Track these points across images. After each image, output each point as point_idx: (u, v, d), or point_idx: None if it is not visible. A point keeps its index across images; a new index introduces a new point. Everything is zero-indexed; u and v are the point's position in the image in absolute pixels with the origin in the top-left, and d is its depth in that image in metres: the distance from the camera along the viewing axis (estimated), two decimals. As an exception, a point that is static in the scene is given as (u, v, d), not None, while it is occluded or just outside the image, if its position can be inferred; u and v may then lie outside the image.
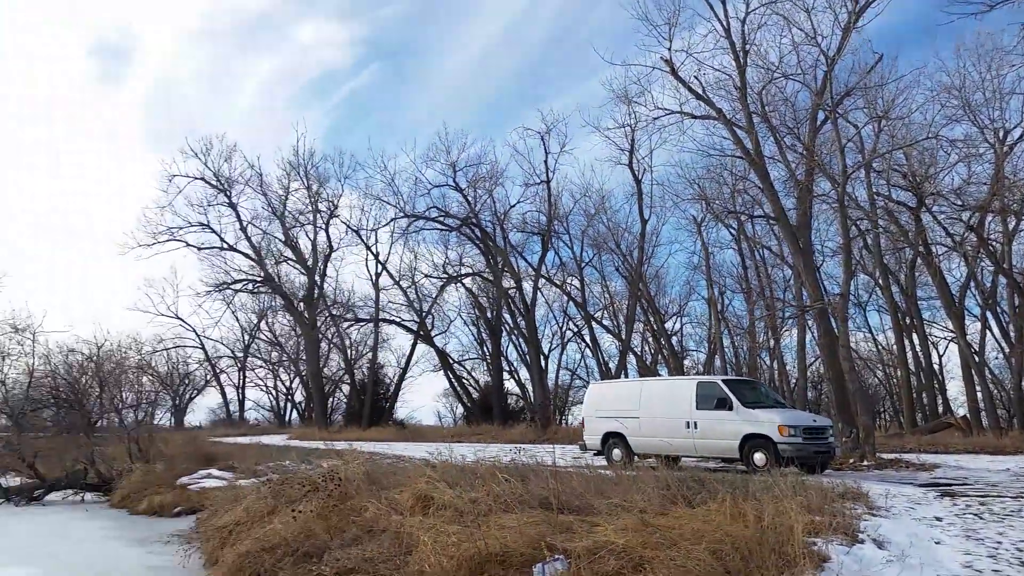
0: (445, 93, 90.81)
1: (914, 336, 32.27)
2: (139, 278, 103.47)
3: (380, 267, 44.80)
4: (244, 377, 59.90)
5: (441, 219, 39.59)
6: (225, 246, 44.39)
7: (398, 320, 45.34)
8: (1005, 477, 13.07)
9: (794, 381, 35.52)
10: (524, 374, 42.50)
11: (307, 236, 45.67)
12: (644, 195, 34.25)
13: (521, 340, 40.13)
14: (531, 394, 39.62)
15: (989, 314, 29.05)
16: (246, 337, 58.30)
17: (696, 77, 21.43)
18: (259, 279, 45.69)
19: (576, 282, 38.93)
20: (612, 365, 37.63)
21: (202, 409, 63.39)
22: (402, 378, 47.46)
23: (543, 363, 39.01)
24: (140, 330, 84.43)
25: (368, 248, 44.80)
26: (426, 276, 44.03)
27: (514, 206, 39.23)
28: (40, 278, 77.65)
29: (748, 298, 35.73)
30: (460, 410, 47.87)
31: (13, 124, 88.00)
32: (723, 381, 15.28)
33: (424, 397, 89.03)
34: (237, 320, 57.02)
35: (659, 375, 34.84)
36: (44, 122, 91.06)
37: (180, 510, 16.60)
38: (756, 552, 6.12)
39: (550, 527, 7.42)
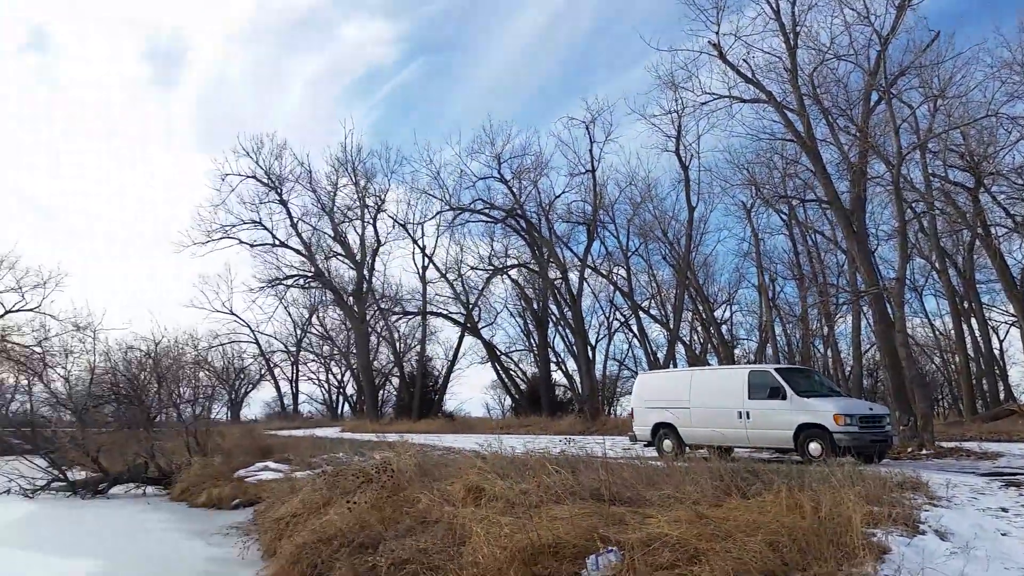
0: (489, 86, 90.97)
1: (973, 321, 31.30)
2: (194, 275, 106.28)
3: (427, 260, 45.12)
4: (297, 371, 60.98)
5: (486, 211, 39.67)
6: (277, 243, 45.16)
7: (445, 313, 45.66)
8: (1075, 466, 12.59)
9: (849, 369, 34.69)
10: (571, 365, 42.46)
11: (355, 231, 46.17)
12: (692, 182, 33.69)
13: (568, 331, 40.03)
14: (579, 385, 39.49)
15: (1053, 296, 28.01)
16: (298, 332, 59.38)
17: (745, 60, 21.11)
18: (310, 274, 46.38)
19: (622, 272, 38.63)
20: (660, 355, 37.25)
21: (257, 403, 64.77)
22: (450, 370, 47.78)
23: (590, 354, 38.86)
24: (196, 326, 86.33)
25: (415, 241, 45.14)
26: (472, 268, 44.18)
27: (559, 196, 38.96)
28: (99, 277, 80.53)
29: (800, 284, 35.01)
30: (508, 402, 48.00)
31: (74, 127, 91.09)
32: (776, 370, 15.00)
33: (472, 389, 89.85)
34: (289, 315, 58.05)
35: (709, 364, 34.41)
36: (103, 125, 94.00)
37: (238, 502, 17.03)
38: (814, 544, 6.03)
39: (602, 519, 7.41)
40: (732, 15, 33.91)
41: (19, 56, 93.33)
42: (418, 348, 49.23)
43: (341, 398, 60.65)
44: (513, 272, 43.11)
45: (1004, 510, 8.09)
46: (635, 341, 41.41)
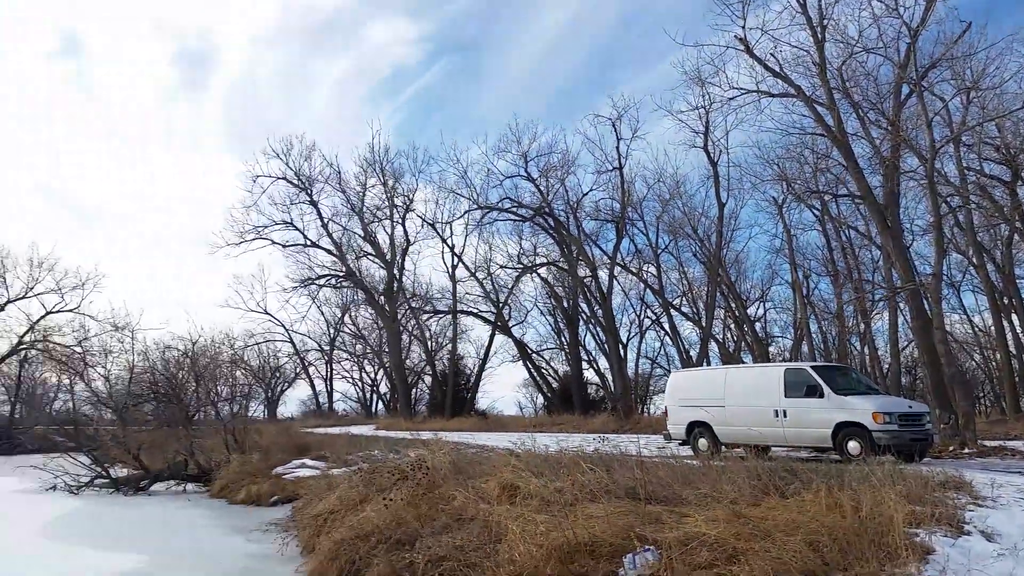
0: (515, 84, 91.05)
1: (1013, 317, 30.52)
2: (229, 276, 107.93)
3: (456, 259, 45.37)
4: (331, 369, 61.67)
5: (514, 209, 39.73)
6: (308, 243, 45.57)
7: (475, 311, 45.81)
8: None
9: (887, 366, 34.10)
10: (603, 363, 42.31)
11: (385, 231, 46.50)
12: (721, 178, 33.38)
13: (599, 329, 39.89)
14: (611, 383, 39.36)
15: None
16: (331, 330, 60.14)
17: (772, 55, 20.87)
18: (341, 274, 46.80)
19: (652, 269, 38.34)
20: (693, 353, 36.93)
21: (293, 401, 65.58)
22: (482, 368, 47.95)
23: (622, 352, 38.71)
24: (232, 326, 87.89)
25: (443, 241, 45.40)
26: (501, 267, 44.36)
27: (587, 194, 38.87)
28: (135, 278, 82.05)
29: (835, 281, 34.48)
30: (540, 400, 48.01)
31: (109, 131, 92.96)
32: (812, 367, 14.82)
33: (504, 387, 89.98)
34: (322, 314, 58.83)
35: (743, 362, 34.09)
36: (136, 129, 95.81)
37: (276, 499, 17.22)
38: (855, 543, 5.97)
39: (638, 517, 7.39)
40: (758, 9, 33.45)
41: (54, 62, 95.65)
42: (449, 347, 49.49)
43: (375, 396, 61.38)
44: (542, 270, 43.19)
45: (1051, 511, 7.90)
46: (667, 339, 41.21)
